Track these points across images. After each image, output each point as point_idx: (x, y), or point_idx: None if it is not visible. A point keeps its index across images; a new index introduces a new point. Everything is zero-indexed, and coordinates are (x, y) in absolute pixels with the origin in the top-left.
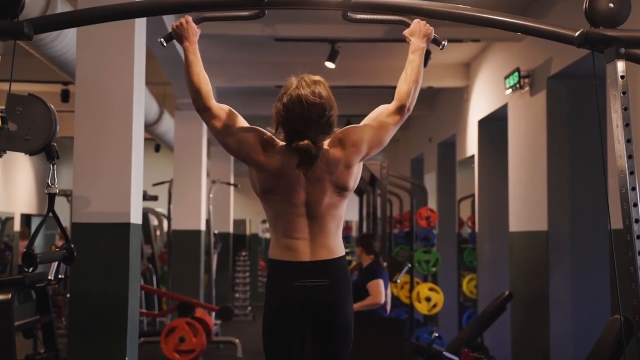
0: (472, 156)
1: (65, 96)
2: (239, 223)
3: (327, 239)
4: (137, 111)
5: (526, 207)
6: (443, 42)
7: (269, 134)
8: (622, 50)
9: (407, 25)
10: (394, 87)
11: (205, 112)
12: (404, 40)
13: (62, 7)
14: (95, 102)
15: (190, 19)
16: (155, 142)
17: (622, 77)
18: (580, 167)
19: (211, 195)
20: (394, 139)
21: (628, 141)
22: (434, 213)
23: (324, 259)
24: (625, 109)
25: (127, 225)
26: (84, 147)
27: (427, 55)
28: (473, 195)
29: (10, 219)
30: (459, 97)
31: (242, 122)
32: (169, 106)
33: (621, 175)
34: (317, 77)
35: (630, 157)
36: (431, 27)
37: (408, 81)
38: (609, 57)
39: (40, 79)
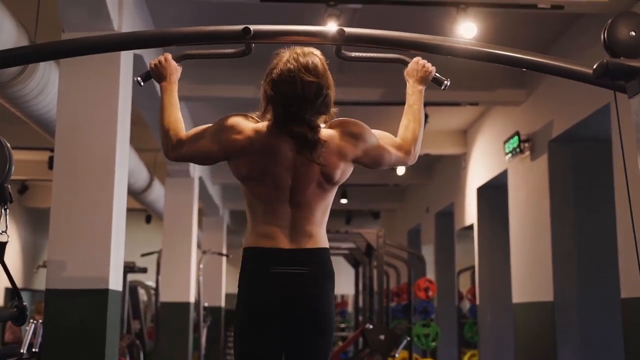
0: (471, 225)
1: (52, 163)
2: (232, 297)
3: (310, 227)
4: (119, 171)
5: (530, 277)
6: (445, 82)
7: (244, 117)
8: None
9: (406, 64)
10: None
11: (175, 150)
12: (401, 103)
13: (44, 64)
14: (75, 160)
15: (169, 56)
16: (146, 213)
17: None
18: (586, 232)
19: (201, 266)
20: (391, 209)
21: None
22: (432, 284)
23: (305, 247)
24: None
25: (106, 291)
26: (61, 206)
27: (425, 118)
28: (472, 268)
29: None
30: (456, 165)
31: (210, 127)
32: (160, 174)
33: None
34: (311, 49)
35: None
36: (432, 67)
37: (411, 129)
38: (632, 91)
39: (27, 145)
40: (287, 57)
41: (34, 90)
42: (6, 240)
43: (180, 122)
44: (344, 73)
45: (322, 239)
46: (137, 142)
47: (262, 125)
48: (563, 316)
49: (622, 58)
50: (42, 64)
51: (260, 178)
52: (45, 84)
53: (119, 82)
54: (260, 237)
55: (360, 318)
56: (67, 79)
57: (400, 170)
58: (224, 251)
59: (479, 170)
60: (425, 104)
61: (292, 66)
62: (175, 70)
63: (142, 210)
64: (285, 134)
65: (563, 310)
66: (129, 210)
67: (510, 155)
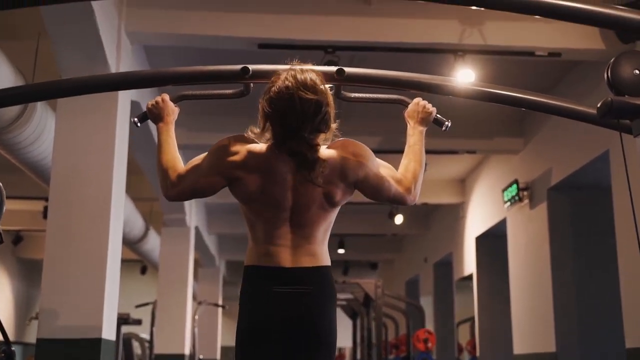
0: (470, 275)
1: (47, 213)
2: (228, 350)
3: (311, 246)
4: (114, 220)
5: (531, 327)
6: (446, 123)
7: (240, 137)
8: None
9: (406, 105)
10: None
11: (174, 187)
12: (400, 151)
13: (41, 108)
14: (70, 206)
15: (167, 97)
16: (141, 264)
17: None
18: (587, 281)
19: (197, 317)
20: (388, 259)
21: None
22: (432, 335)
23: (307, 266)
24: None
25: (99, 341)
26: (54, 253)
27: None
28: (472, 319)
29: None
30: (455, 214)
31: (206, 157)
32: (156, 223)
33: None
34: (309, 66)
35: None
36: (433, 108)
37: (411, 170)
38: (638, 129)
39: (22, 194)
40: (285, 75)
41: (29, 137)
42: None
43: (178, 160)
44: (341, 120)
45: (323, 257)
46: (134, 192)
47: (261, 145)
48: None
49: (626, 96)
50: (38, 111)
51: (260, 198)
52: (42, 131)
53: (115, 129)
54: (261, 256)
55: None
56: (63, 126)
57: (398, 219)
58: (220, 302)
59: (478, 219)
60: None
61: (290, 84)
62: (172, 111)
63: (137, 261)
64: (284, 153)
65: None
66: (124, 261)
67: (509, 203)
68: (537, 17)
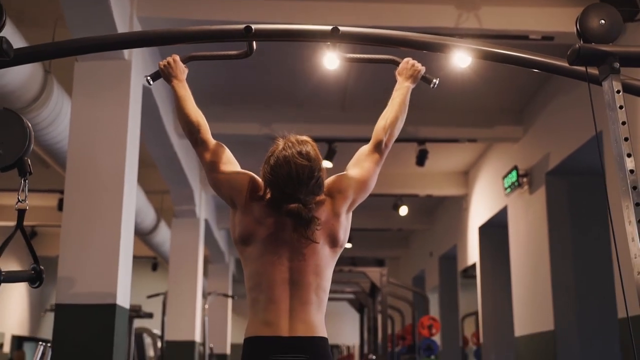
0: (474, 265)
1: (62, 206)
2: (238, 348)
3: (308, 314)
4: (128, 187)
5: (531, 308)
6: (434, 80)
7: (260, 182)
8: (617, 65)
9: (397, 64)
10: (392, 195)
11: (201, 145)
12: (403, 140)
13: (57, 92)
14: (85, 175)
15: (177, 57)
16: (152, 262)
17: (618, 91)
18: (584, 260)
19: (206, 306)
20: (394, 256)
21: (629, 155)
22: (436, 322)
23: (303, 335)
24: (624, 123)
25: (113, 306)
26: (71, 223)
27: (424, 154)
28: (477, 312)
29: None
30: (458, 207)
31: (235, 163)
32: (166, 217)
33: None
34: (304, 137)
35: (631, 172)
36: (421, 66)
37: (386, 117)
38: (603, 73)
39: (37, 188)
40: (282, 145)
41: (46, 119)
42: (25, 207)
43: (202, 117)
44: (345, 111)
45: (320, 328)
46: (145, 184)
47: (269, 198)
48: (563, 343)
49: (592, 44)
50: (54, 94)
51: (256, 247)
52: (57, 114)
53: (128, 112)
54: (260, 325)
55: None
56: (79, 108)
57: (403, 211)
58: (230, 293)
59: (480, 209)
60: (425, 141)
61: (287, 153)
62: (183, 70)
63: (149, 258)
64: (283, 214)
65: (563, 337)
66: (136, 258)
67: (509, 190)
68: (530, 0)
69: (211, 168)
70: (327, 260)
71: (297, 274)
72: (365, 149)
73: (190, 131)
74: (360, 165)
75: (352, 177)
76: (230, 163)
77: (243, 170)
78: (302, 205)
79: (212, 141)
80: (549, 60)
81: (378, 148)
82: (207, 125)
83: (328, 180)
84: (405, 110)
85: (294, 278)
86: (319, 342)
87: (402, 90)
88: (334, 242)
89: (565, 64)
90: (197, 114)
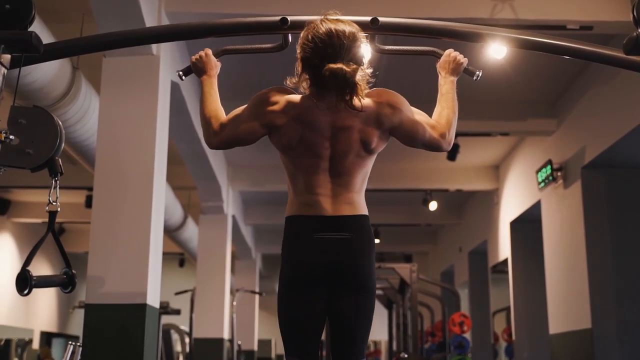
0: (505, 260)
1: (89, 202)
2: (264, 344)
3: (350, 195)
4: (157, 184)
5: (567, 306)
6: (477, 73)
7: (280, 88)
8: None
9: (439, 56)
10: (421, 190)
11: (216, 135)
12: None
13: (85, 89)
14: (114, 172)
15: (209, 51)
16: (179, 257)
17: None
18: (623, 256)
19: (234, 303)
20: (423, 251)
21: None
22: (467, 319)
23: (347, 214)
24: None
25: (144, 306)
26: (100, 222)
27: (456, 149)
28: (508, 308)
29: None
30: (488, 202)
31: (247, 106)
32: (194, 214)
33: None
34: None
35: None
36: (464, 58)
37: (445, 115)
38: None
39: (65, 185)
40: (320, 19)
41: (75, 116)
42: (57, 209)
43: (220, 111)
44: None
45: (362, 207)
46: (173, 181)
47: (300, 96)
48: (602, 342)
49: None
50: (82, 91)
51: (299, 147)
52: (86, 111)
53: (157, 108)
54: (302, 206)
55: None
56: (107, 105)
57: (433, 206)
58: (257, 290)
59: (512, 203)
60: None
61: (327, 22)
62: (215, 65)
63: (176, 254)
64: (323, 96)
65: (602, 335)
66: (164, 254)
67: (543, 184)
68: None
69: (241, 136)
70: (363, 157)
71: (337, 164)
72: (429, 119)
73: (205, 132)
74: (420, 118)
75: (408, 109)
76: (244, 115)
77: (258, 97)
78: (346, 65)
79: (224, 124)
80: (602, 51)
81: (439, 135)
82: (224, 119)
83: (380, 89)
84: (457, 106)
85: (335, 167)
86: (360, 220)
87: (448, 86)
88: (368, 147)
89: (618, 54)
90: (215, 117)
